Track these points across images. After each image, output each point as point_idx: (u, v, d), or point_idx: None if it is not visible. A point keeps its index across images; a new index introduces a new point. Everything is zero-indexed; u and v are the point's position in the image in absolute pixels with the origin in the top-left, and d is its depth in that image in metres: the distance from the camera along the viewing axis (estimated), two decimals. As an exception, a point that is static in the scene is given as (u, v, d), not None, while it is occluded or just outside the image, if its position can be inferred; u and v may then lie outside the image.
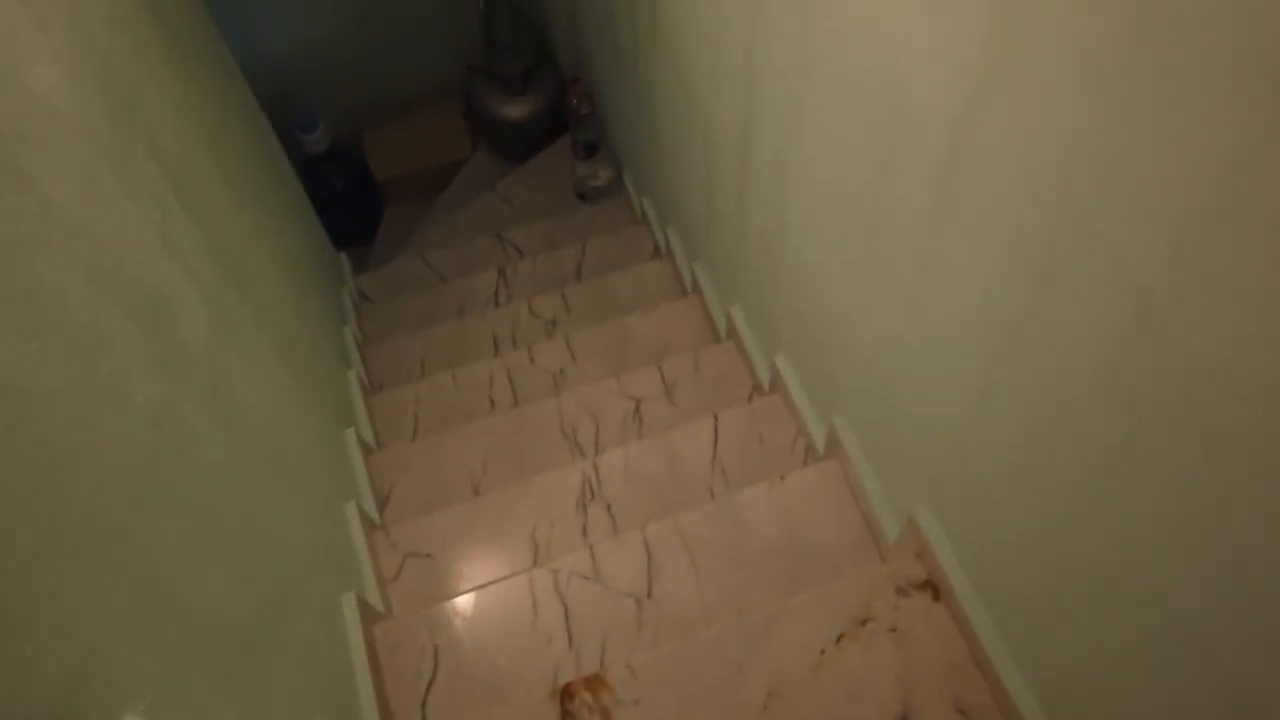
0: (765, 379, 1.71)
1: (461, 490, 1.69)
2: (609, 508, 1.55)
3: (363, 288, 2.45)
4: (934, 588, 1.22)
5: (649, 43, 1.82)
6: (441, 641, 1.34)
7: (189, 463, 0.91)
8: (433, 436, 1.81)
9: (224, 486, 1.00)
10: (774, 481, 1.45)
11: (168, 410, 0.88)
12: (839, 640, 1.20)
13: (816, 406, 1.53)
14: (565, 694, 1.19)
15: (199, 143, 1.32)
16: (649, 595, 1.37)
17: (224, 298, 1.21)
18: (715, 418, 1.63)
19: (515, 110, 2.76)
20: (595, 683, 1.20)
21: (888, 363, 1.17)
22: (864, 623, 1.21)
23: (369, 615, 1.35)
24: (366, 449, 1.74)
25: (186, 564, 0.85)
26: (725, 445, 1.60)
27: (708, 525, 1.42)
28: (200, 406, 1.02)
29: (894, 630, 1.20)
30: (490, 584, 1.42)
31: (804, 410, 1.56)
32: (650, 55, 1.85)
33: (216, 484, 0.97)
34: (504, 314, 2.16)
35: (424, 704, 1.30)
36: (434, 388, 1.94)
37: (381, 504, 1.68)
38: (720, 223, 1.73)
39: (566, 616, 1.35)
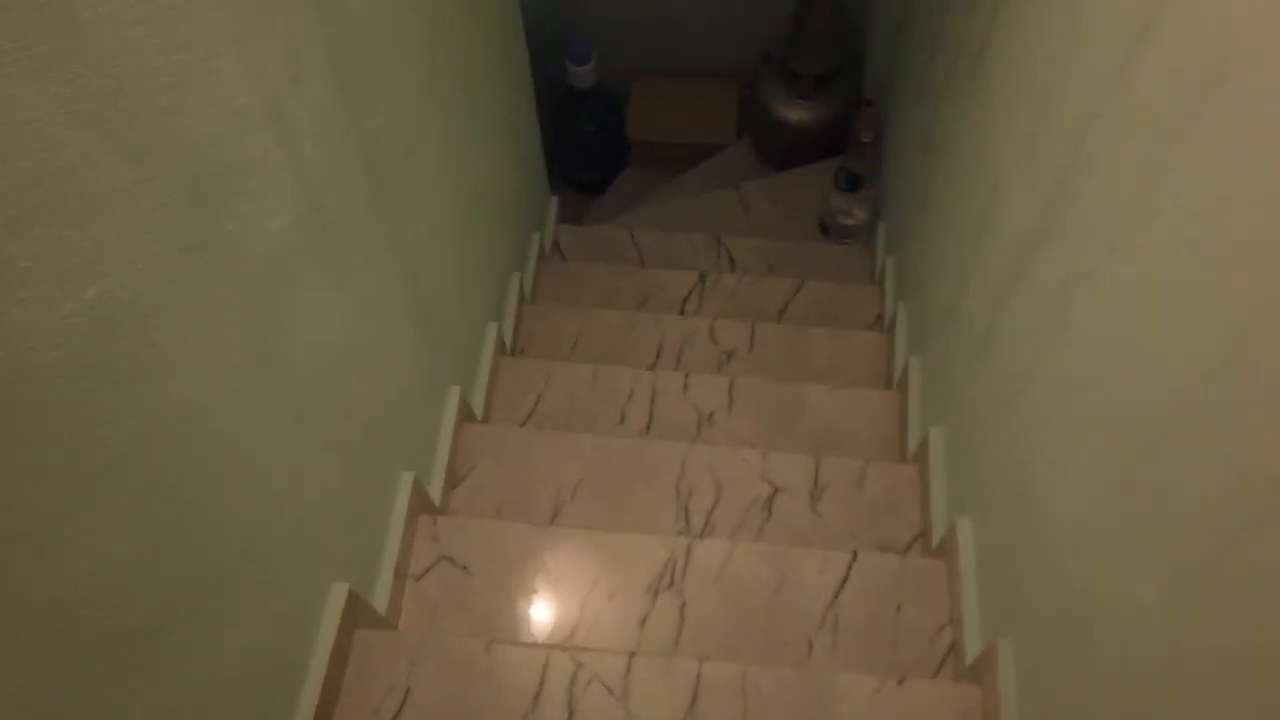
0: (937, 534, 1.32)
1: (541, 506, 1.43)
2: (681, 608, 1.23)
3: (560, 239, 2.23)
4: None
5: (964, 79, 1.45)
6: (416, 685, 1.09)
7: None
8: (542, 431, 1.56)
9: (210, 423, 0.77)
10: (888, 679, 1.08)
11: (133, 313, 0.66)
12: None
13: (987, 607, 1.15)
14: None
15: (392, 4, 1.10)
16: (675, 746, 1.05)
17: (336, 203, 0.99)
18: (854, 556, 1.27)
19: (796, 114, 2.44)
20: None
21: (1132, 639, 0.78)
22: None
23: (358, 613, 1.12)
24: (467, 415, 1.52)
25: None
26: (852, 597, 1.23)
27: (782, 694, 1.08)
28: (226, 320, 0.80)
29: None
30: (505, 642, 1.15)
31: (968, 601, 1.17)
32: (959, 95, 1.48)
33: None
34: (683, 325, 1.87)
35: (367, 749, 1.05)
36: (570, 376, 1.69)
37: (453, 483, 1.45)
38: (960, 329, 1.36)
39: (568, 725, 1.07)
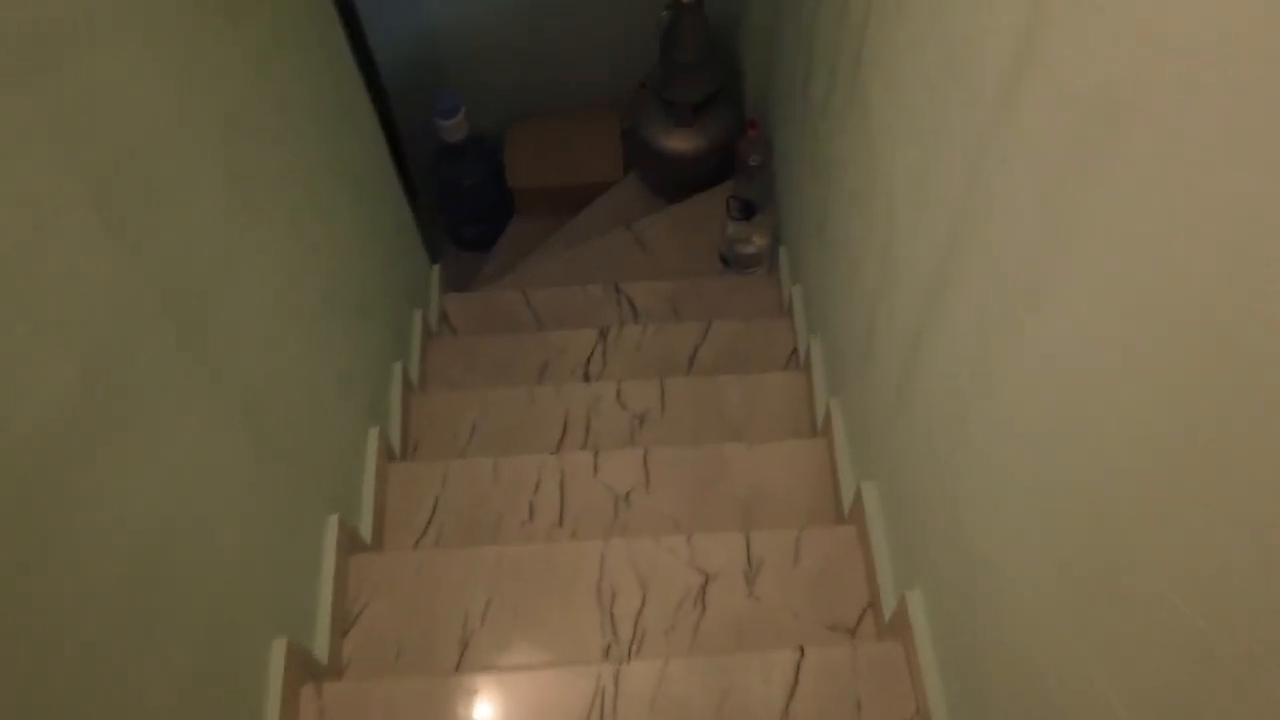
0: (887, 607, 1.19)
1: (447, 643, 1.25)
2: (616, 748, 1.08)
3: (448, 310, 2.06)
4: None
5: (842, 101, 1.34)
6: None
7: None
8: (441, 551, 1.39)
9: None
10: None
11: None
12: None
13: (952, 698, 1.02)
14: None
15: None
16: None
17: (122, 360, 0.82)
18: (801, 653, 1.13)
19: (678, 143, 2.31)
20: None
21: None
22: None
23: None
24: (353, 544, 1.34)
25: None
26: (805, 704, 1.09)
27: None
28: None
29: None
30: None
31: (932, 691, 1.05)
32: (839, 117, 1.36)
33: None
34: (587, 392, 1.72)
35: None
36: (469, 473, 1.52)
37: (343, 627, 1.27)
38: (877, 369, 1.24)
39: None
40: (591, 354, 1.88)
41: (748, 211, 2.06)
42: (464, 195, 2.60)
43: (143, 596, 0.83)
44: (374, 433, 1.49)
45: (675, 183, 2.47)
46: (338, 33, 1.52)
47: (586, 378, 1.85)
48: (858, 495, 1.32)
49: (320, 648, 1.20)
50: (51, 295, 0.73)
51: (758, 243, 2.12)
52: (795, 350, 1.84)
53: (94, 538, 0.77)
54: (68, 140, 0.76)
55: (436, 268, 2.08)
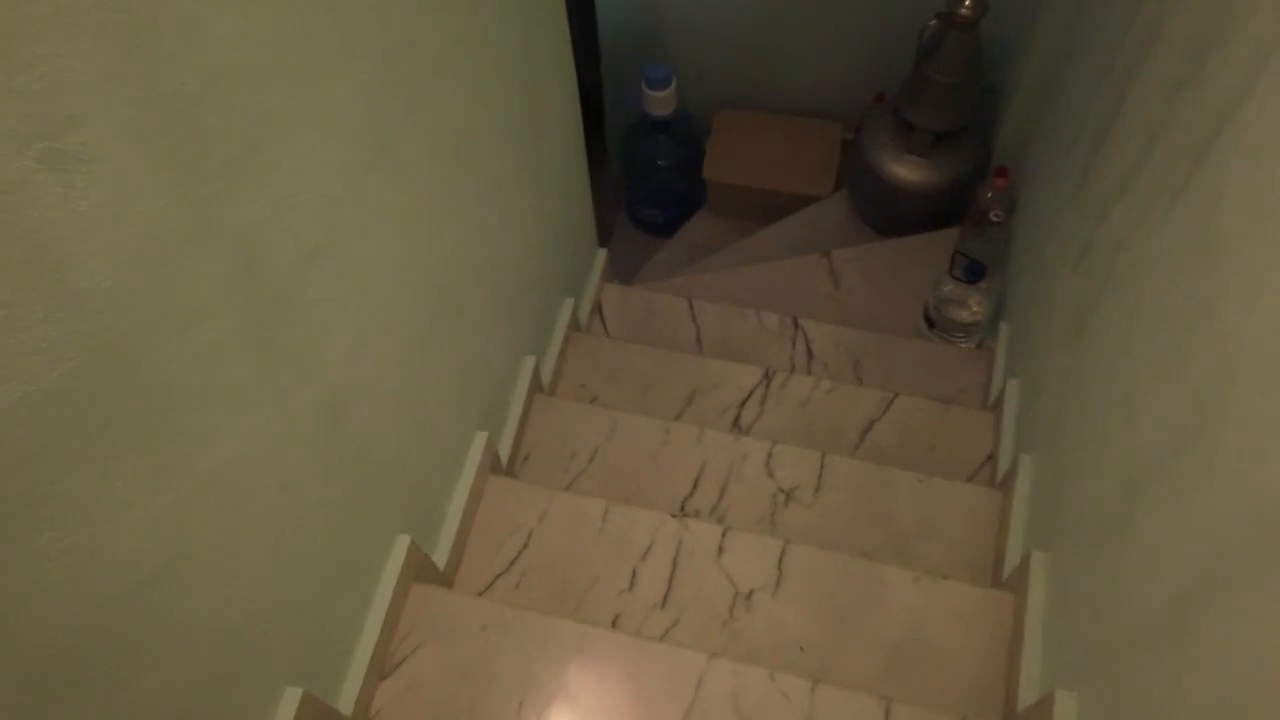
0: None
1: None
2: None
3: (603, 304, 1.82)
4: None
5: (1159, 183, 0.99)
6: None
7: None
8: (511, 610, 1.15)
9: None
10: None
11: None
12: None
13: None
14: None
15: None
16: None
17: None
18: None
19: (908, 172, 1.98)
20: None
21: None
22: None
23: None
24: (422, 569, 1.13)
25: None
26: None
27: None
28: None
29: None
30: None
31: None
32: (1151, 202, 1.01)
33: None
34: (734, 446, 1.44)
35: None
36: (575, 513, 1.28)
37: (381, 670, 1.06)
38: (1129, 561, 0.90)
39: None
40: (749, 397, 1.60)
41: (974, 274, 1.71)
42: (655, 175, 2.35)
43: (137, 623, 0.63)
44: (480, 440, 1.27)
45: (892, 216, 2.13)
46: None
47: (737, 424, 1.57)
48: (1050, 697, 0.99)
49: (348, 694, 0.99)
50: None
51: (975, 310, 1.76)
52: (992, 457, 1.50)
53: (98, 543, 0.56)
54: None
55: (603, 252, 1.84)
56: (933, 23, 1.81)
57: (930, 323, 1.82)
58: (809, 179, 2.25)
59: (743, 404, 1.59)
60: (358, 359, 0.89)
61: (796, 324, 1.80)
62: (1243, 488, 0.71)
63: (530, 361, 1.46)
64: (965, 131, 1.94)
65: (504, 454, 1.37)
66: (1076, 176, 1.38)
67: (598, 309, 1.81)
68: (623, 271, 2.39)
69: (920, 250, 2.02)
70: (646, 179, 2.38)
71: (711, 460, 1.42)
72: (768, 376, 1.61)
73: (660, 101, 2.16)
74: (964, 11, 1.72)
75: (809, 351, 1.76)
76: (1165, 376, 0.89)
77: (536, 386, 1.49)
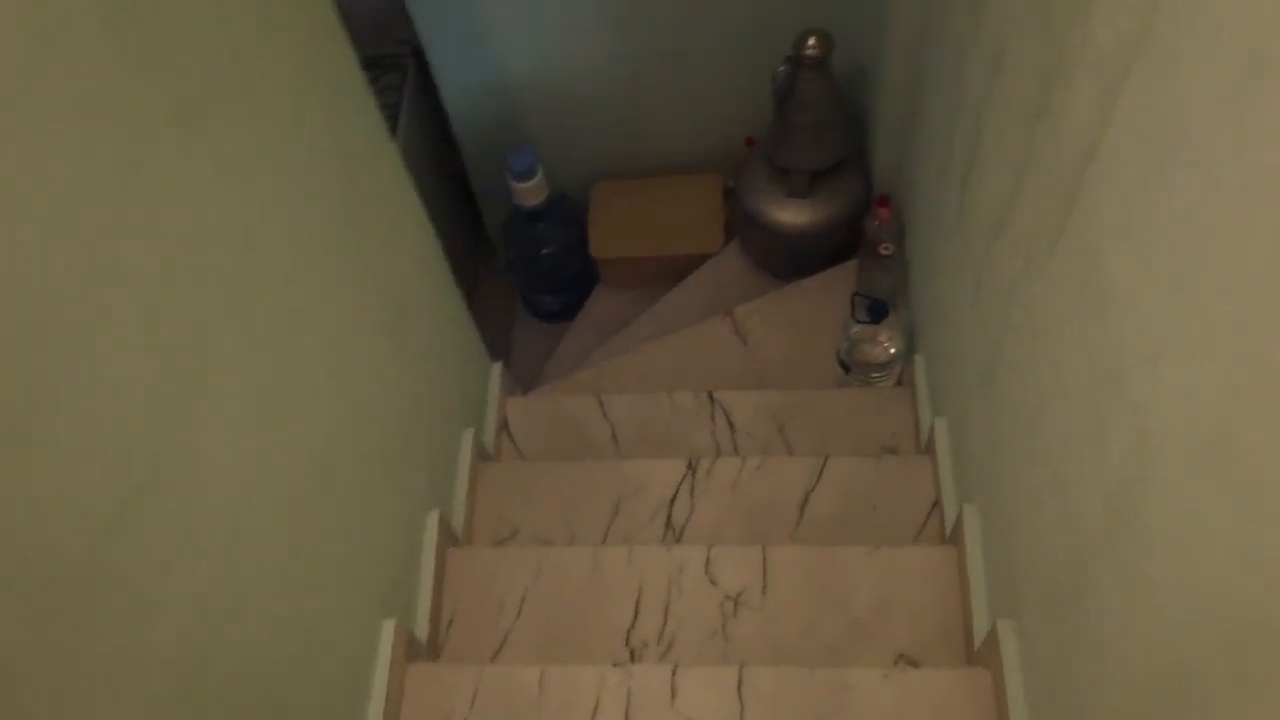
0: None
1: None
2: None
3: (509, 420, 1.72)
4: None
5: (1033, 228, 0.93)
6: None
7: None
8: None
9: None
10: None
11: None
12: None
13: None
14: None
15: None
16: None
17: None
18: None
19: (792, 216, 1.92)
20: None
21: None
22: None
23: None
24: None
25: None
26: None
27: None
28: None
29: None
30: None
31: None
32: (1029, 247, 0.95)
33: None
34: (668, 559, 1.34)
35: None
36: (507, 688, 1.15)
37: None
38: (1089, 637, 0.83)
39: None
40: (676, 493, 1.50)
41: (876, 313, 1.65)
42: (542, 263, 2.26)
43: None
44: (389, 629, 1.15)
45: (787, 260, 2.07)
46: (370, 115, 1.18)
47: (670, 525, 1.47)
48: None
49: None
50: None
51: (887, 349, 1.70)
52: (937, 504, 1.43)
53: None
54: None
55: (498, 368, 1.73)
56: (782, 67, 1.76)
57: (846, 368, 1.75)
58: (699, 237, 2.18)
59: (672, 501, 1.49)
60: (213, 592, 0.77)
61: (712, 398, 1.71)
62: (1191, 572, 0.64)
63: (434, 516, 1.34)
64: (842, 165, 1.89)
65: (422, 630, 1.25)
66: (954, 207, 1.32)
67: (504, 427, 1.70)
68: (532, 366, 2.29)
69: (821, 290, 1.96)
70: (534, 268, 2.29)
71: (649, 580, 1.32)
72: (692, 466, 1.52)
73: (529, 192, 2.08)
74: (810, 52, 1.67)
75: (730, 425, 1.68)
76: (1086, 441, 0.82)
77: (448, 540, 1.37)
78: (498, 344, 2.38)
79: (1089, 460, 0.81)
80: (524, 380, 2.28)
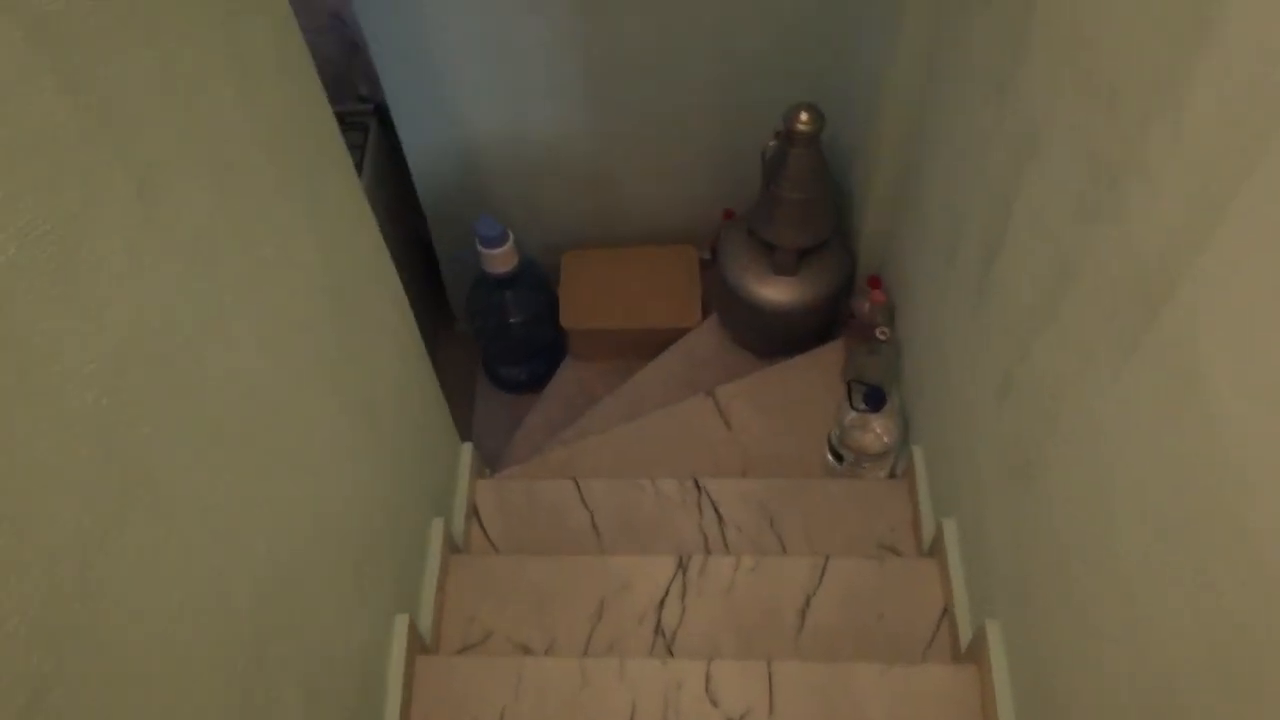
0: None
1: None
2: None
3: (480, 508, 1.57)
4: None
5: (1091, 341, 0.85)
6: None
7: None
8: None
9: None
10: None
11: None
12: None
13: None
14: None
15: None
16: None
17: None
18: None
19: (777, 294, 1.84)
20: None
21: None
22: None
23: None
24: None
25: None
26: None
27: None
28: None
29: None
30: None
31: None
32: (1098, 364, 0.87)
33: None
34: (663, 673, 1.21)
35: None
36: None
37: None
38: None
39: None
40: (666, 594, 1.38)
41: (876, 402, 1.56)
42: (509, 332, 2.14)
43: None
44: (353, 767, 0.99)
45: (769, 338, 1.99)
46: (349, 184, 1.06)
47: (660, 631, 1.34)
48: None
49: None
50: None
51: (883, 440, 1.61)
52: (947, 612, 1.33)
53: None
54: None
55: (468, 448, 1.59)
56: (773, 142, 1.70)
57: (838, 458, 1.65)
58: (675, 310, 2.09)
59: (661, 604, 1.37)
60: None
61: (698, 486, 1.60)
62: None
63: (403, 621, 1.19)
64: (828, 240, 1.82)
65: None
66: (971, 292, 1.25)
67: (474, 514, 1.56)
68: (493, 440, 2.15)
69: (807, 371, 1.88)
70: (500, 337, 2.17)
71: (642, 699, 1.18)
72: (682, 565, 1.40)
73: (499, 259, 1.97)
74: (801, 127, 1.60)
75: (718, 516, 1.56)
76: (1179, 582, 0.73)
77: (417, 649, 1.22)
78: (459, 417, 2.24)
79: (1181, 604, 0.72)
80: (486, 455, 2.14)
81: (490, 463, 2.05)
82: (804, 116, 1.60)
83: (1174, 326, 0.73)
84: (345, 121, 2.05)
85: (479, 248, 1.94)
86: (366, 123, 2.07)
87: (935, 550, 1.39)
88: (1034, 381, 1.03)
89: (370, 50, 1.72)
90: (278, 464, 0.85)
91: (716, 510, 1.56)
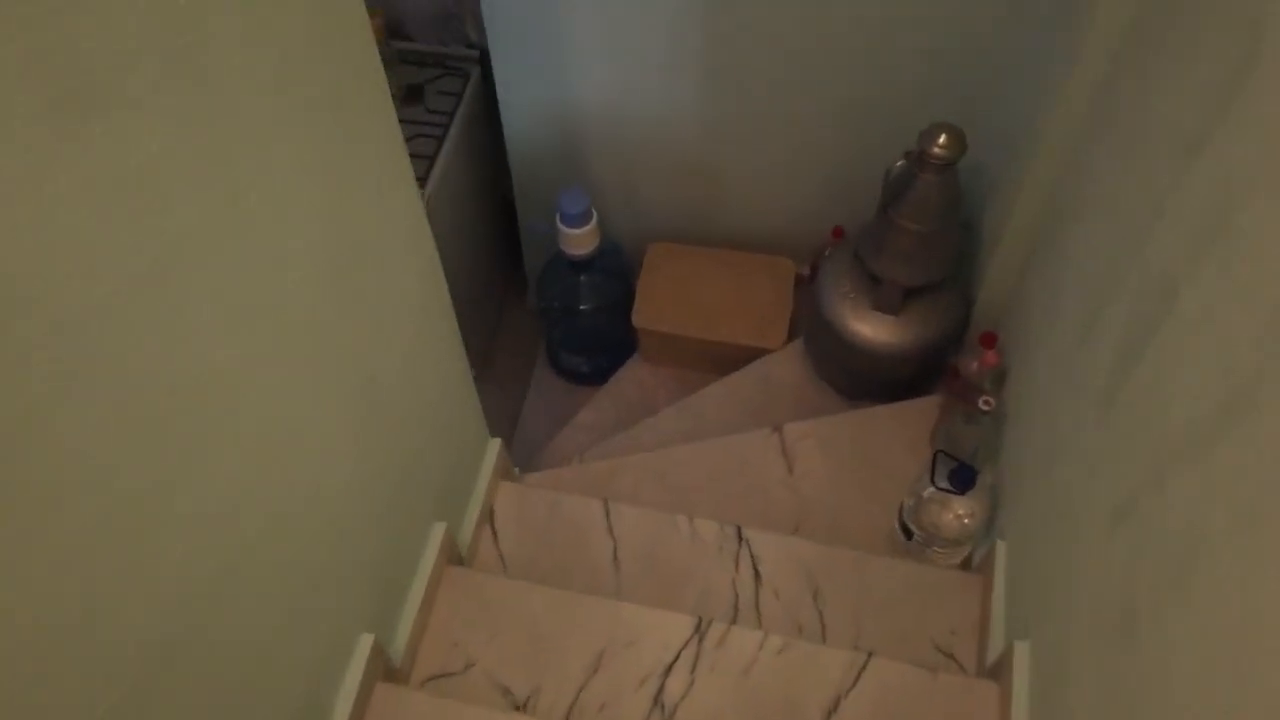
0: None
1: None
2: None
3: (496, 509, 1.43)
4: None
5: (1255, 493, 0.63)
6: None
7: None
8: None
9: None
10: None
11: None
12: None
13: None
14: None
15: None
16: None
17: None
18: None
19: (874, 332, 1.63)
20: None
21: None
22: None
23: None
24: None
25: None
26: None
27: None
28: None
29: None
30: None
31: None
32: (1261, 522, 0.66)
33: None
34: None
35: None
36: None
37: None
38: None
39: None
40: (675, 660, 1.21)
41: (964, 482, 1.34)
42: (577, 320, 1.99)
43: None
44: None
45: (856, 378, 1.78)
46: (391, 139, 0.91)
47: (658, 702, 1.17)
48: None
49: None
50: None
51: (965, 522, 1.40)
52: (1001, 753, 1.12)
53: None
54: None
55: (495, 445, 1.45)
56: (900, 163, 1.49)
57: (908, 534, 1.45)
58: (758, 329, 1.90)
59: (667, 671, 1.20)
60: None
61: (740, 536, 1.42)
62: None
63: (366, 643, 1.06)
64: (943, 283, 1.60)
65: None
66: (1098, 392, 1.02)
67: (488, 518, 1.42)
68: (542, 428, 2.01)
69: (892, 424, 1.66)
70: (567, 323, 2.02)
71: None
72: (700, 630, 1.23)
73: (579, 240, 1.82)
74: (938, 151, 1.39)
75: (756, 574, 1.38)
76: None
77: (379, 674, 1.08)
78: (511, 398, 2.11)
79: None
80: (527, 444, 2.00)
81: (529, 453, 1.92)
82: (942, 139, 1.39)
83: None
84: (446, 65, 1.95)
85: (560, 224, 1.80)
86: (469, 70, 1.93)
87: (999, 673, 1.17)
88: (1164, 519, 0.81)
89: (478, -7, 1.57)
90: (224, 451, 0.71)
91: (756, 567, 1.38)
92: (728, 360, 1.89)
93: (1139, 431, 0.89)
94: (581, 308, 1.95)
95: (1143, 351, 0.91)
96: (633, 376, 2.01)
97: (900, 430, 1.63)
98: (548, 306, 2.00)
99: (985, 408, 1.39)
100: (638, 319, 1.91)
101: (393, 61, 1.88)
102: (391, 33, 1.95)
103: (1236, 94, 0.80)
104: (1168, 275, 0.88)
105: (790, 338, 1.89)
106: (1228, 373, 0.74)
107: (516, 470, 1.55)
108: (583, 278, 1.93)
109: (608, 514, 1.43)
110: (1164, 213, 0.94)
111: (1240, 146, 0.79)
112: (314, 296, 0.81)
